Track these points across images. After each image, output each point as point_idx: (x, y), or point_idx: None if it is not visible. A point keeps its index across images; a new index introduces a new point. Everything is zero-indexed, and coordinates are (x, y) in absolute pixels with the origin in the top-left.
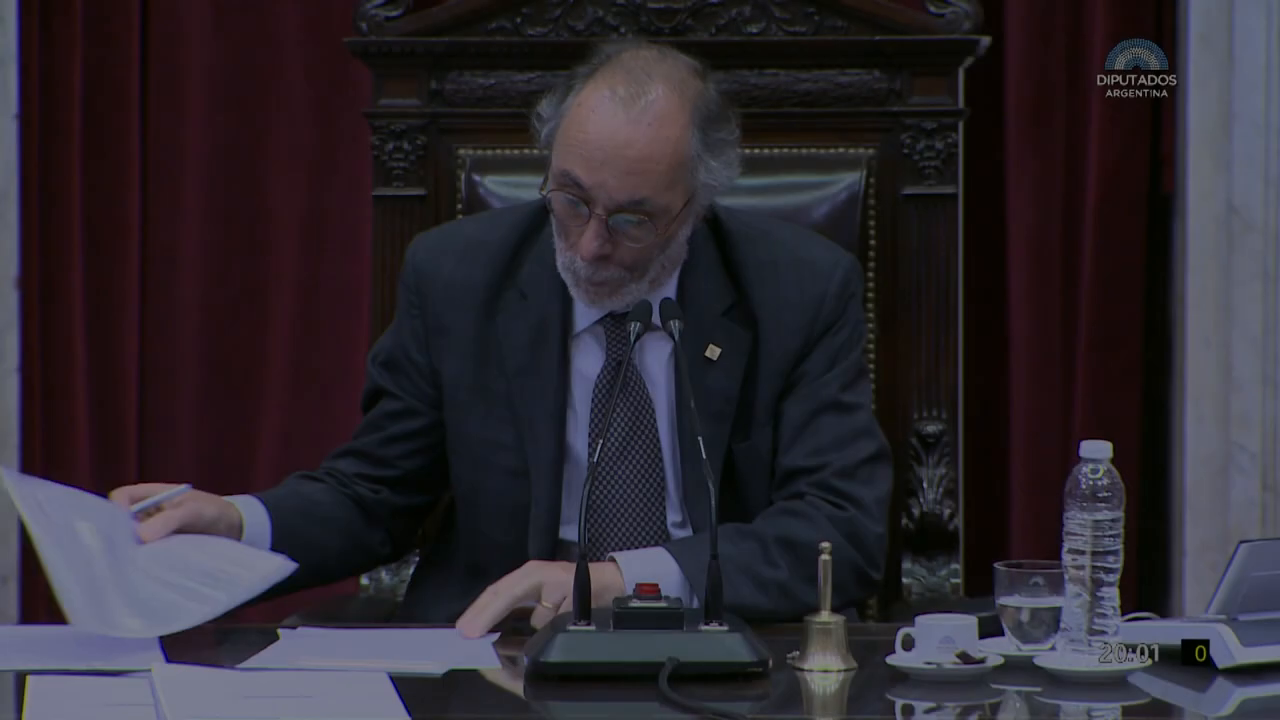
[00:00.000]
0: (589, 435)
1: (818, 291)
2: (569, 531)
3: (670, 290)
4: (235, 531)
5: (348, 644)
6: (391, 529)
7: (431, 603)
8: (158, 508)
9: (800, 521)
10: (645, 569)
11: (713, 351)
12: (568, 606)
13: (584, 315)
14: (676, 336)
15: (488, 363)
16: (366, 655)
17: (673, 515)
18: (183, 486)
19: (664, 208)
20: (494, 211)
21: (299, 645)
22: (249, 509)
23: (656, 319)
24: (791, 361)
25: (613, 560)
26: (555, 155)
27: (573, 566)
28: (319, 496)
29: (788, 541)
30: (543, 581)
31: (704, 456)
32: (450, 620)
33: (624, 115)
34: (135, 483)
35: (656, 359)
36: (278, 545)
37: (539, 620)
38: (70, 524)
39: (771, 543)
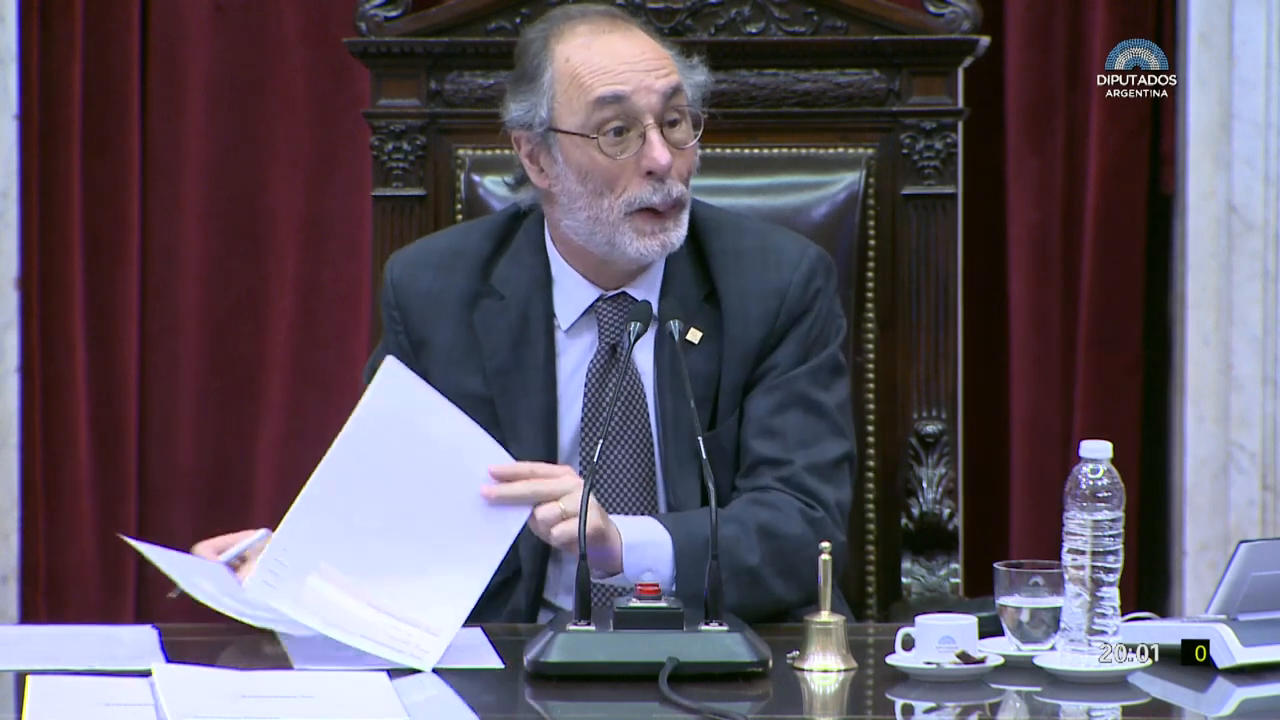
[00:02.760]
0: (580, 424)
1: (782, 280)
2: None
3: (657, 275)
4: None
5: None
6: None
7: None
8: (241, 558)
9: (778, 514)
10: (636, 532)
11: (694, 335)
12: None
13: (570, 308)
14: (677, 337)
15: (469, 369)
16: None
17: (664, 503)
18: (260, 532)
19: (692, 99)
20: (465, 224)
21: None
22: None
23: (655, 321)
24: (755, 350)
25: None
26: (575, 113)
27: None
28: None
29: (767, 531)
30: (569, 489)
31: (704, 456)
32: None
33: (618, 34)
34: (135, 484)
35: (643, 347)
36: None
37: (544, 519)
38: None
39: (753, 529)
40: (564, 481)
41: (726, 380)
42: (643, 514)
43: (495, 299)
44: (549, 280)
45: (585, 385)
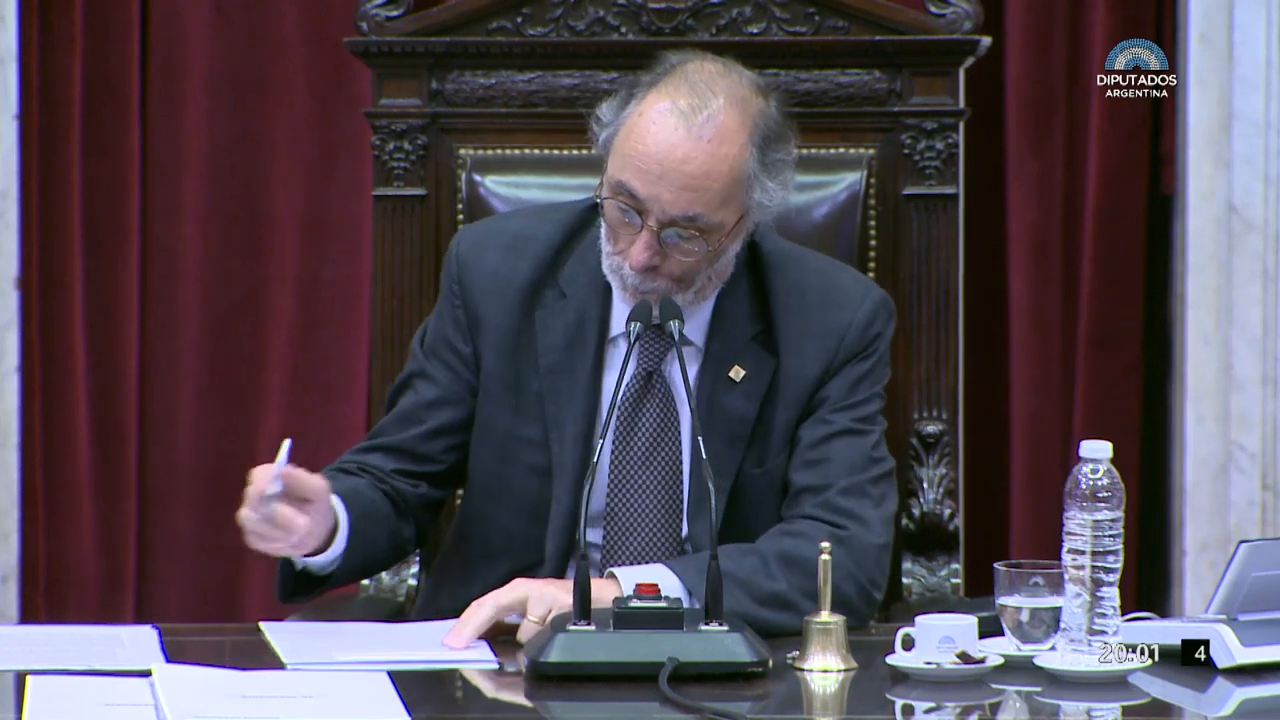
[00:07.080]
0: (612, 442)
1: (842, 322)
2: (587, 535)
3: (707, 309)
4: (331, 533)
5: (360, 639)
6: (419, 522)
7: (448, 595)
8: (280, 493)
9: (800, 540)
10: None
11: (736, 373)
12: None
13: (622, 319)
14: (676, 336)
15: (522, 358)
16: (403, 647)
17: (687, 528)
18: (281, 458)
19: (717, 224)
20: (541, 207)
21: (322, 637)
22: (340, 512)
23: (656, 317)
24: (810, 389)
25: (612, 575)
26: (611, 163)
27: (560, 582)
28: (368, 493)
29: (787, 557)
30: (528, 595)
31: (704, 456)
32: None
33: (684, 129)
34: (135, 483)
35: (680, 377)
36: (351, 546)
37: (525, 635)
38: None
39: (771, 559)
40: (514, 592)
41: (780, 418)
42: (668, 543)
43: (557, 294)
44: (609, 285)
45: (619, 406)
